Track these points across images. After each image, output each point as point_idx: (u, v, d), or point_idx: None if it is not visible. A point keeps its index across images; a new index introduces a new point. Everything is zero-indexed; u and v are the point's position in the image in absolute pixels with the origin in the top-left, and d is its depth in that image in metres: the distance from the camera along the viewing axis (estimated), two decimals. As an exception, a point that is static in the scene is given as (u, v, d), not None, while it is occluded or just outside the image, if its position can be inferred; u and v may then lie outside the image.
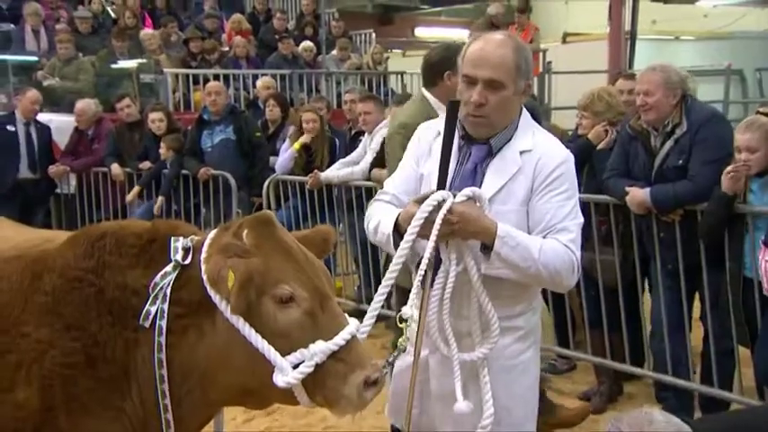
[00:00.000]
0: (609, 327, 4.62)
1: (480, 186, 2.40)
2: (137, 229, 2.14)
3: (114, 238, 2.08)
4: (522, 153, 2.43)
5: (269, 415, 4.80)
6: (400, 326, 2.24)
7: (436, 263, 2.36)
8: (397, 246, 2.34)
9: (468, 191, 2.31)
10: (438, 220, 2.24)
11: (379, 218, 2.46)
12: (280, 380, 1.92)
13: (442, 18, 18.16)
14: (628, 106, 4.79)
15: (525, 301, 2.54)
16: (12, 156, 7.83)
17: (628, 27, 10.60)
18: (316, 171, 6.40)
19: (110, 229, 2.14)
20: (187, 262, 2.01)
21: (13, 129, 7.86)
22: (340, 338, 1.97)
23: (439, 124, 2.51)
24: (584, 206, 4.62)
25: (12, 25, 10.69)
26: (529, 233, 2.38)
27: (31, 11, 10.28)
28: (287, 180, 6.85)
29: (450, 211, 2.26)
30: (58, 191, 8.28)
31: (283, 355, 1.94)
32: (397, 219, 2.40)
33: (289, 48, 11.07)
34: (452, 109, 2.39)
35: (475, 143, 2.47)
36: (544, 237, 2.37)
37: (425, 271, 2.35)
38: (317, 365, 1.93)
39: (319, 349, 1.94)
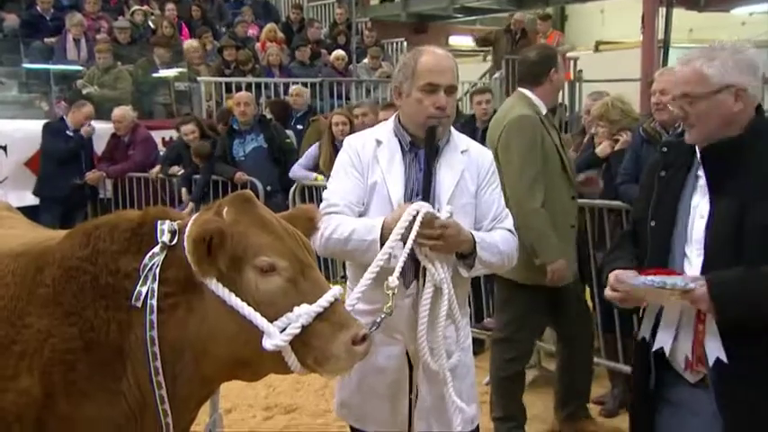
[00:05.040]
0: (622, 331, 4.61)
1: (436, 185, 2.59)
2: (129, 216, 2.20)
3: (108, 227, 2.14)
4: (462, 152, 2.68)
5: (288, 413, 4.90)
6: (386, 293, 2.34)
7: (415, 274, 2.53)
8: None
9: (448, 207, 2.51)
10: (414, 230, 2.39)
11: (351, 226, 2.54)
12: (268, 344, 1.97)
13: (476, 27, 18.11)
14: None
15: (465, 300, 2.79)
16: (73, 161, 8.15)
17: (661, 36, 10.54)
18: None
19: (104, 220, 2.22)
20: (173, 243, 2.07)
21: (72, 135, 8.18)
22: (324, 300, 2.02)
23: (375, 134, 2.72)
24: (599, 211, 4.66)
25: (53, 39, 10.93)
26: (476, 222, 2.62)
27: (76, 21, 10.55)
28: (312, 186, 6.96)
29: (430, 224, 2.40)
30: (101, 195, 8.48)
31: (270, 321, 1.98)
32: (383, 225, 2.49)
33: (304, 55, 11.22)
34: (431, 132, 2.59)
35: (422, 147, 2.65)
36: (493, 225, 2.68)
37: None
38: (303, 327, 1.98)
39: (304, 311, 1.99)
